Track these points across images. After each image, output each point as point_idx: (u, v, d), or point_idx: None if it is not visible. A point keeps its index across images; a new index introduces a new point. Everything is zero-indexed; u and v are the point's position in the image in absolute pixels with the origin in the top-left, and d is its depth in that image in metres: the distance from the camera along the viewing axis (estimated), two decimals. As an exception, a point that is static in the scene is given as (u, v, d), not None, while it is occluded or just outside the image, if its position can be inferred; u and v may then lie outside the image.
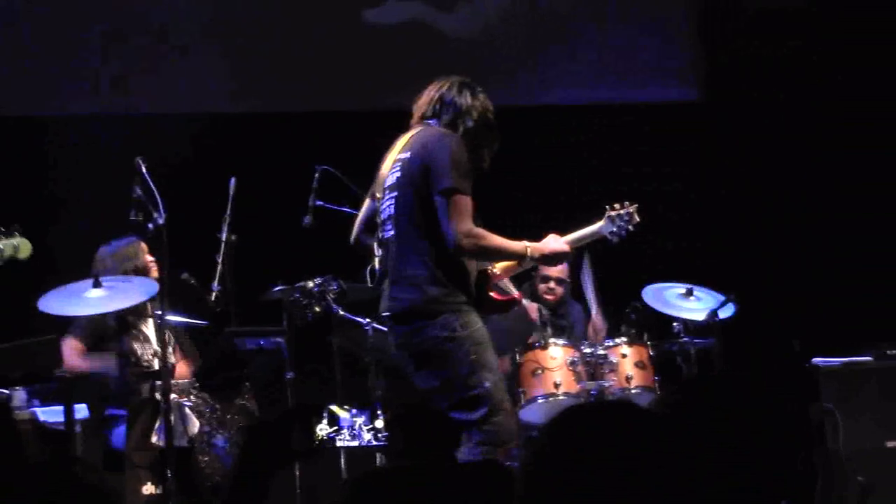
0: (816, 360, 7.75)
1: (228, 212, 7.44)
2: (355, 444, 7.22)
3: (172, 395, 6.18)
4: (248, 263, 7.52)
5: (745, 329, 7.34)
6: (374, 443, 7.15)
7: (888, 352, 7.79)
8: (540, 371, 7.45)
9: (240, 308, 7.30)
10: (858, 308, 9.17)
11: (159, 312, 6.37)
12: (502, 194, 9.55)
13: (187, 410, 6.56)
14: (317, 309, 7.28)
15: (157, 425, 6.36)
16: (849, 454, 7.44)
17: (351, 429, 7.28)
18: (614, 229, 6.06)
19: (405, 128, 6.05)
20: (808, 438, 7.47)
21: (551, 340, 7.62)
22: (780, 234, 9.75)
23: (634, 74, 10.17)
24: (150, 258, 7.17)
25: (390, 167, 5.84)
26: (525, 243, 5.78)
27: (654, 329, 7.84)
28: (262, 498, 2.58)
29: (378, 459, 7.18)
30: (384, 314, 5.77)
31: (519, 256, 5.75)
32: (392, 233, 5.73)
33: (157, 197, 6.03)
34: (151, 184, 6.05)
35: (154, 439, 6.38)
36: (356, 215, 6.20)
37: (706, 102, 9.99)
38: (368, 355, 7.54)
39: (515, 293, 6.18)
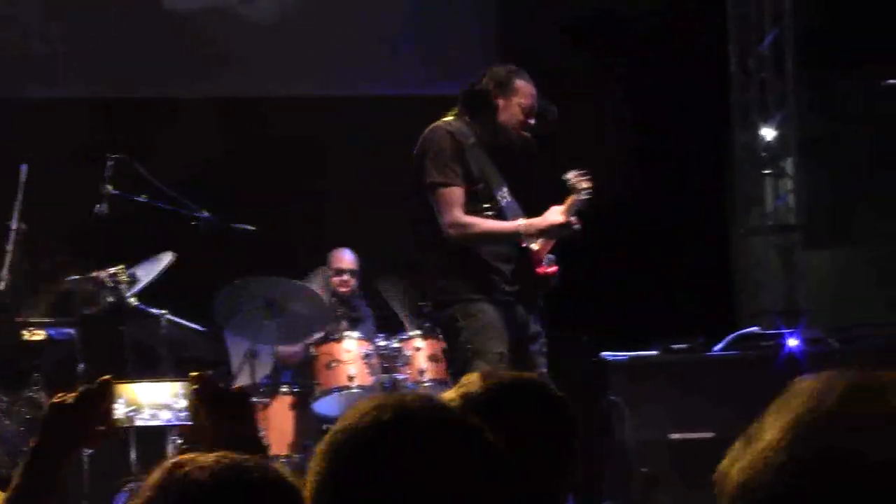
0: (605, 354, 7.93)
1: (19, 199, 7.28)
2: (155, 423, 7.08)
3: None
4: (39, 252, 7.37)
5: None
6: (175, 422, 7.02)
7: (673, 346, 8.02)
8: (334, 364, 7.46)
9: (30, 298, 7.15)
10: (645, 303, 9.41)
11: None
12: (306, 183, 9.58)
13: (-27, 402, 6.41)
14: (110, 299, 7.17)
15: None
16: (635, 446, 7.63)
17: (151, 407, 7.12)
18: (583, 197, 6.10)
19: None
20: (595, 431, 7.65)
21: (346, 333, 7.64)
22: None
23: (441, 66, 10.25)
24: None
25: None
26: (519, 221, 5.94)
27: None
28: (52, 488, 2.55)
29: (169, 439, 7.09)
30: None
31: (515, 235, 5.90)
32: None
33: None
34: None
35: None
36: (151, 204, 6.19)
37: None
38: (162, 346, 7.45)
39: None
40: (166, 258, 7.24)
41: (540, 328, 6.05)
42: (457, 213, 5.80)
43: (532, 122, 6.03)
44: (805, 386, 1.25)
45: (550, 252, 6.13)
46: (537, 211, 6.08)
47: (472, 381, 2.63)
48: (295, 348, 8.19)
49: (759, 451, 1.23)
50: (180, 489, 1.86)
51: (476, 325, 5.83)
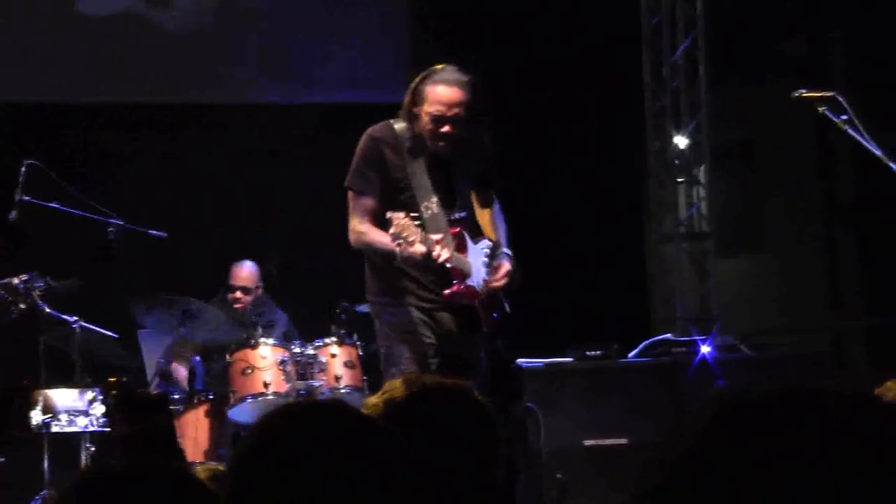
0: (520, 360, 7.96)
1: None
2: (72, 429, 7.01)
3: None
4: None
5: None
6: (91, 428, 6.98)
7: (588, 353, 8.06)
8: (250, 370, 7.43)
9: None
10: (559, 310, 9.46)
11: None
12: (220, 192, 9.52)
13: None
14: (22, 306, 7.10)
15: None
16: (549, 452, 7.67)
17: (68, 414, 7.07)
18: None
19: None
20: (511, 438, 7.68)
21: (261, 340, 7.61)
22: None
23: (354, 75, 10.25)
24: None
25: None
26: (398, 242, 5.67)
27: (364, 329, 7.92)
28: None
29: (83, 447, 7.02)
30: None
31: (390, 255, 5.59)
32: None
33: None
34: None
35: None
36: (65, 212, 6.12)
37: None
38: (75, 353, 7.38)
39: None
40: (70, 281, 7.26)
41: (479, 342, 5.92)
42: (355, 220, 5.74)
43: (444, 129, 5.66)
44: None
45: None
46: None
47: (395, 386, 2.64)
48: (183, 370, 8.16)
49: None
50: (98, 495, 1.85)
51: (386, 330, 5.82)
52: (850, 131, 5.23)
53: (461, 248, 5.81)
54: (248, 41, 10.15)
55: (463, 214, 5.89)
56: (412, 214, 5.54)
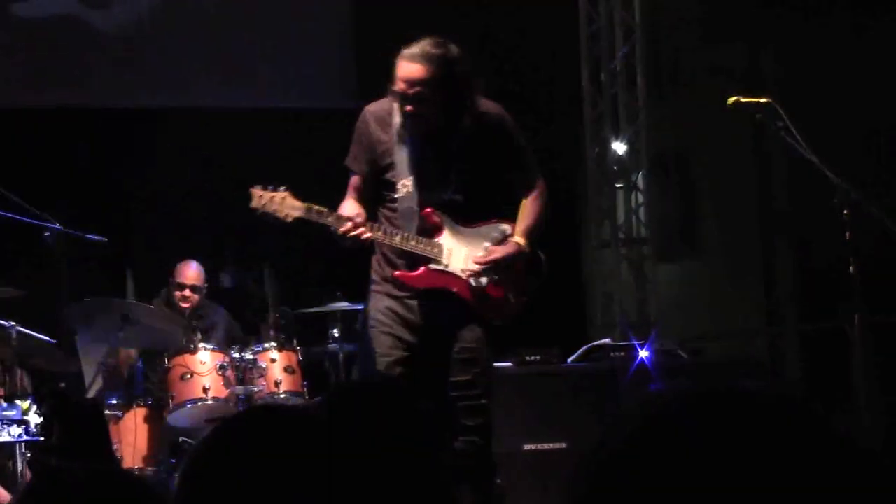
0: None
1: None
2: (5, 439, 6.94)
3: None
4: None
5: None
6: (25, 437, 6.91)
7: (527, 358, 8.09)
8: (189, 375, 7.40)
9: None
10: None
11: None
12: (160, 195, 9.49)
13: None
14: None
15: None
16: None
17: (2, 423, 7.00)
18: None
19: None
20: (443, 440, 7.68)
21: (201, 345, 7.58)
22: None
23: (294, 81, 10.24)
24: None
25: None
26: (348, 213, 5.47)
27: (304, 333, 7.93)
28: None
29: (19, 455, 6.95)
30: None
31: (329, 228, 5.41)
32: None
33: None
34: None
35: None
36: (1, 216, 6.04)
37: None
38: (11, 360, 7.32)
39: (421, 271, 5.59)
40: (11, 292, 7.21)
41: (464, 333, 5.50)
42: (347, 195, 5.56)
43: (407, 108, 5.34)
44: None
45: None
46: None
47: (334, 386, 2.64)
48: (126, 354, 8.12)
49: None
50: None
51: (366, 320, 5.60)
52: (786, 138, 5.29)
53: (435, 230, 5.52)
54: (189, 43, 10.11)
55: (455, 196, 5.53)
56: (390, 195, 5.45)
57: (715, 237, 10.52)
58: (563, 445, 7.61)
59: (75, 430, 2.69)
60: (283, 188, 5.42)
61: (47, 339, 7.53)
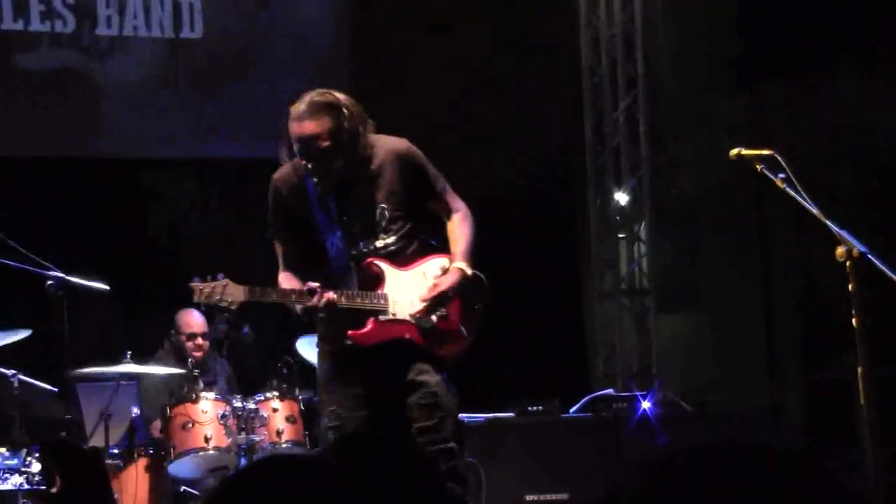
0: (461, 416, 7.96)
1: None
2: (5, 488, 6.92)
3: None
4: None
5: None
6: (26, 486, 6.89)
7: (529, 408, 8.09)
8: (190, 425, 7.37)
9: None
10: (500, 365, 9.47)
11: None
12: (160, 245, 9.49)
13: None
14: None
15: None
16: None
17: (2, 471, 6.97)
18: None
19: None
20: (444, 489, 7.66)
21: (202, 394, 7.56)
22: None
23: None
24: None
25: None
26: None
27: (305, 382, 7.91)
28: None
29: (20, 502, 6.93)
30: None
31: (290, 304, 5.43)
32: None
33: None
34: None
35: None
36: (4, 265, 6.04)
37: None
38: (13, 408, 7.31)
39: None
40: (21, 333, 7.19)
41: (425, 378, 5.41)
42: (280, 270, 5.55)
43: (311, 165, 5.30)
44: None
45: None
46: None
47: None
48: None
49: None
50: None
51: (319, 378, 5.56)
52: (789, 189, 5.30)
53: (376, 282, 5.44)
54: (191, 93, 10.15)
55: (386, 240, 5.47)
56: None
57: (717, 288, 10.52)
58: (565, 496, 7.60)
59: (75, 478, 2.68)
60: (220, 276, 5.36)
61: (49, 387, 7.53)
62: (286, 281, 5.44)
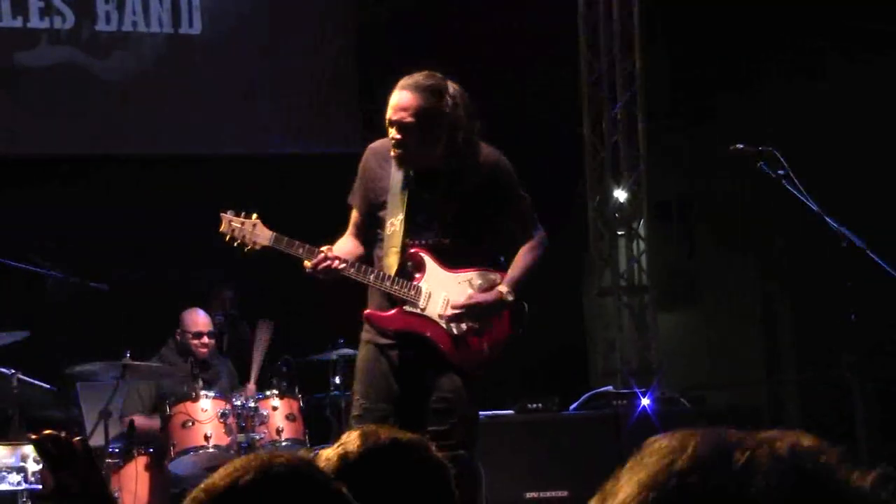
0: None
1: None
2: (4, 487, 6.91)
3: None
4: None
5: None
6: (24, 485, 6.89)
7: (529, 406, 8.09)
8: (190, 423, 7.38)
9: None
10: (499, 363, 9.47)
11: None
12: (163, 244, 9.50)
13: None
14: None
15: None
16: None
17: (0, 471, 6.96)
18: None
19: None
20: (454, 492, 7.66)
21: (202, 392, 7.56)
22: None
23: (297, 126, 10.27)
24: None
25: None
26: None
27: (306, 381, 7.92)
28: None
29: (20, 501, 6.93)
30: None
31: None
32: None
33: None
34: None
35: None
36: (3, 264, 6.05)
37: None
38: (12, 407, 7.31)
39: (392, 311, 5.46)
40: (20, 335, 7.20)
41: (442, 382, 5.34)
42: (347, 231, 5.53)
43: (392, 134, 5.26)
44: (659, 444, 1.30)
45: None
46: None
47: (351, 439, 2.61)
48: (152, 422, 8.08)
49: None
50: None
51: (356, 366, 5.52)
52: (787, 186, 5.31)
53: (416, 272, 5.37)
54: (192, 92, 10.15)
55: (441, 239, 5.39)
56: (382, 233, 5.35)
57: (716, 285, 10.53)
58: (566, 493, 7.60)
59: (63, 470, 2.66)
60: (254, 215, 5.37)
61: (48, 386, 7.54)
62: (342, 243, 5.41)
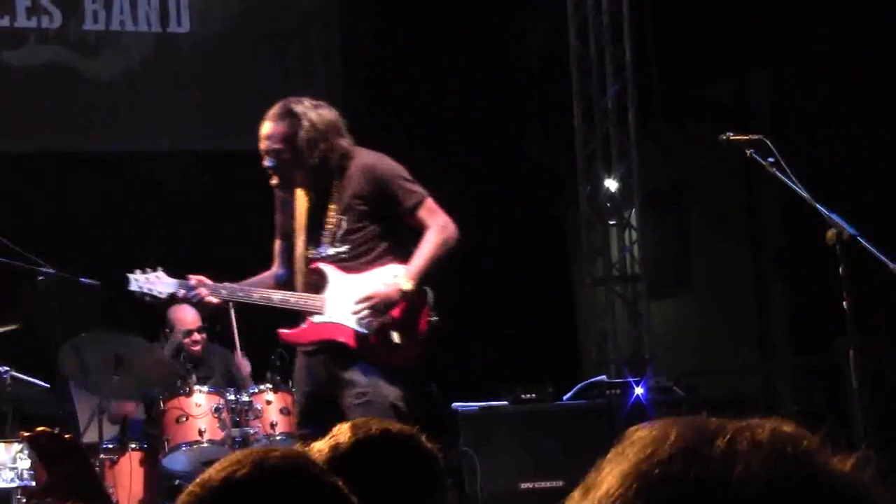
0: (455, 404, 7.98)
1: None
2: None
3: None
4: None
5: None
6: (19, 482, 6.89)
7: (522, 396, 8.10)
8: (184, 418, 7.38)
9: None
10: (493, 354, 9.49)
11: None
12: (154, 240, 9.49)
13: None
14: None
15: None
16: (485, 497, 7.68)
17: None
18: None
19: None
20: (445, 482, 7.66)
21: (196, 387, 7.56)
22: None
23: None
24: None
25: None
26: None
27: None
28: None
29: (14, 498, 6.93)
30: None
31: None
32: None
33: None
34: None
35: None
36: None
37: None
38: (6, 404, 7.31)
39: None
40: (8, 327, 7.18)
41: (356, 377, 5.54)
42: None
43: (265, 163, 5.65)
44: (639, 434, 1.30)
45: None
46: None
47: (342, 431, 2.63)
48: (129, 406, 8.07)
49: (597, 500, 1.27)
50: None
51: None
52: (778, 174, 5.30)
53: (321, 283, 5.62)
54: (180, 90, 10.14)
55: (339, 248, 5.63)
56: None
57: (708, 273, 10.54)
58: (560, 483, 7.61)
59: (54, 466, 2.66)
60: (159, 269, 5.71)
61: (41, 383, 7.52)
62: (263, 275, 5.78)
